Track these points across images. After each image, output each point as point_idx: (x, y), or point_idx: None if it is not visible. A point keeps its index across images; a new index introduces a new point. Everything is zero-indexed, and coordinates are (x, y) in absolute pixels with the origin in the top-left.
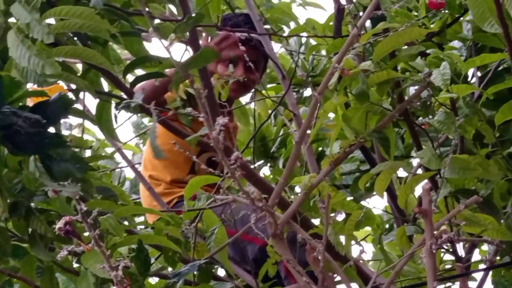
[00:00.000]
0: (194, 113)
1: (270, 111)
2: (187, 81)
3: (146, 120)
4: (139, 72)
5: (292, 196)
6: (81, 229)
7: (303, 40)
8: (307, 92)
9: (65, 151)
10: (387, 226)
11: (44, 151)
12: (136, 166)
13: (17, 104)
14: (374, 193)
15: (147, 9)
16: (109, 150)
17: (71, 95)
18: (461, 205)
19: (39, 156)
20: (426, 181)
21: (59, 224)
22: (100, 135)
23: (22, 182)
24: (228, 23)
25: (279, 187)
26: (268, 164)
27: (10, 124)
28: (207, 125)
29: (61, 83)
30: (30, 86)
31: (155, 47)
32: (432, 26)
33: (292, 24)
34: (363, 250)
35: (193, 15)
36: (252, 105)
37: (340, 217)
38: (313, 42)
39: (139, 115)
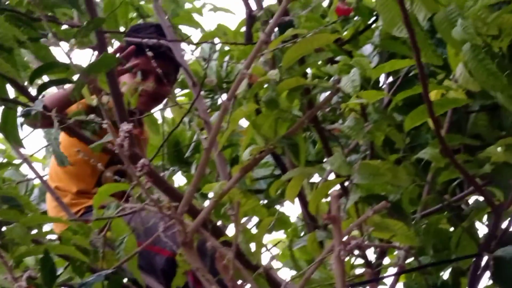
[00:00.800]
0: (97, 120)
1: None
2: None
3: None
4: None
5: (204, 204)
6: None
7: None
8: (224, 97)
9: None
10: (302, 233)
11: None
12: (44, 177)
13: None
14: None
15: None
16: (18, 161)
17: None
18: (370, 211)
19: None
20: (336, 187)
21: None
22: (6, 145)
23: None
24: (138, 34)
25: (188, 194)
26: (182, 170)
27: None
28: (110, 132)
29: None
30: None
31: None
32: (345, 33)
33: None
34: (273, 257)
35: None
36: (165, 111)
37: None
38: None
39: None
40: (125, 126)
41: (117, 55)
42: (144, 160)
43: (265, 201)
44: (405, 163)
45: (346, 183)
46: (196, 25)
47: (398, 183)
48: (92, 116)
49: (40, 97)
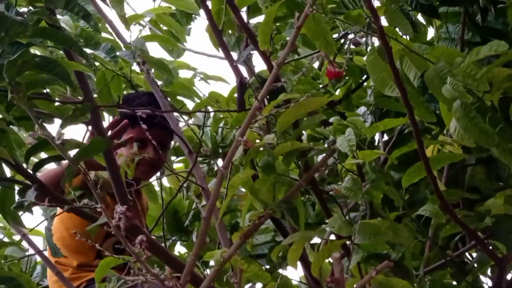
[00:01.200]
0: (90, 204)
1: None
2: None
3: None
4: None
5: (206, 272)
6: None
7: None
8: (220, 162)
9: None
10: None
11: None
12: (45, 252)
13: None
14: None
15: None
16: (17, 238)
17: None
18: (373, 271)
19: None
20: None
21: None
22: (5, 223)
23: None
24: (132, 103)
25: (189, 264)
26: (181, 240)
27: None
28: (105, 216)
29: None
30: None
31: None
32: (337, 93)
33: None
34: None
35: (94, 95)
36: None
37: None
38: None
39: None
40: (119, 208)
41: (110, 131)
42: (141, 236)
43: (267, 266)
44: (405, 220)
45: (347, 243)
46: (189, 93)
47: (399, 241)
48: (86, 201)
49: (36, 174)
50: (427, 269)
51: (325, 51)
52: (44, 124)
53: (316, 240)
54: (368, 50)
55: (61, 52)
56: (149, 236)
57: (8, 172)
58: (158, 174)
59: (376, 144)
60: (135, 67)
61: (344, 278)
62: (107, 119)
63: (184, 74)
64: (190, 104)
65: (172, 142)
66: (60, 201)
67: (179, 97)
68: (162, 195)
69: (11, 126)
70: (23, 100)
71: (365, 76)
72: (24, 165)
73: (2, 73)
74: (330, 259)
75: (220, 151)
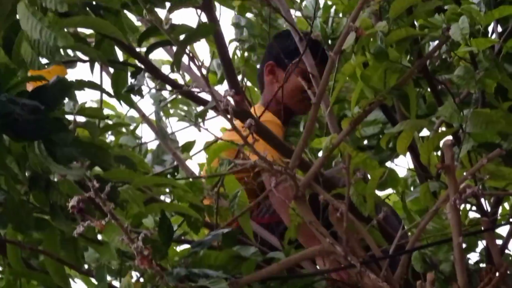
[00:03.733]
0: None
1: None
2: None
3: (166, 93)
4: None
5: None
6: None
7: (322, 2)
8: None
9: (66, 136)
10: (412, 188)
11: (45, 136)
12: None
13: (14, 91)
14: (399, 155)
15: None
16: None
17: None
18: (484, 159)
19: (41, 141)
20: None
21: (72, 203)
22: (120, 111)
23: None
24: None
25: (298, 149)
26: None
27: (9, 113)
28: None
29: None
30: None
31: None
32: None
33: None
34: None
35: None
36: None
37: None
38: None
39: (157, 87)
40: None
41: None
42: (250, 120)
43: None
44: None
45: (458, 133)
46: None
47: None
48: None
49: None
50: None
51: None
52: (154, 8)
53: (426, 132)
54: None
55: None
56: (258, 121)
57: (120, 56)
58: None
59: (490, 35)
60: None
61: (454, 165)
62: None
63: None
64: None
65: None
66: (172, 84)
67: None
68: None
69: (125, 11)
70: None
71: None
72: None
73: None
74: (439, 153)
75: (330, 43)
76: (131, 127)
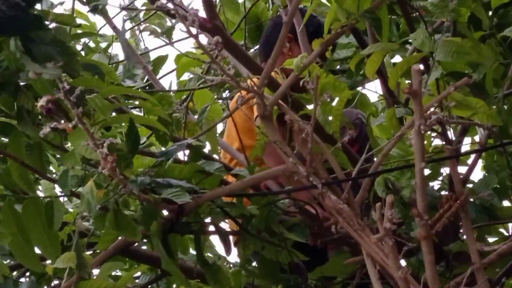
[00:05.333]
0: None
1: None
2: None
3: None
4: None
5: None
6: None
7: None
8: None
9: (45, 34)
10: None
11: (24, 33)
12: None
13: None
14: (371, 80)
15: None
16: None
17: None
18: (451, 87)
19: (19, 37)
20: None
21: (41, 102)
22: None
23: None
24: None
25: (267, 67)
26: None
27: None
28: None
29: None
30: None
31: None
32: None
33: None
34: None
35: None
36: None
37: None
38: None
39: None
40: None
41: None
42: (217, 37)
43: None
44: (490, 41)
45: (429, 61)
46: None
47: (481, 61)
48: None
49: None
50: (507, 91)
51: None
52: None
53: (397, 59)
54: None
55: None
56: (229, 37)
57: None
58: None
59: None
60: None
61: (421, 91)
62: None
63: None
64: None
65: None
66: None
67: None
68: (245, 3)
69: None
70: None
71: None
72: None
73: None
74: (408, 81)
75: None
76: (104, 45)
